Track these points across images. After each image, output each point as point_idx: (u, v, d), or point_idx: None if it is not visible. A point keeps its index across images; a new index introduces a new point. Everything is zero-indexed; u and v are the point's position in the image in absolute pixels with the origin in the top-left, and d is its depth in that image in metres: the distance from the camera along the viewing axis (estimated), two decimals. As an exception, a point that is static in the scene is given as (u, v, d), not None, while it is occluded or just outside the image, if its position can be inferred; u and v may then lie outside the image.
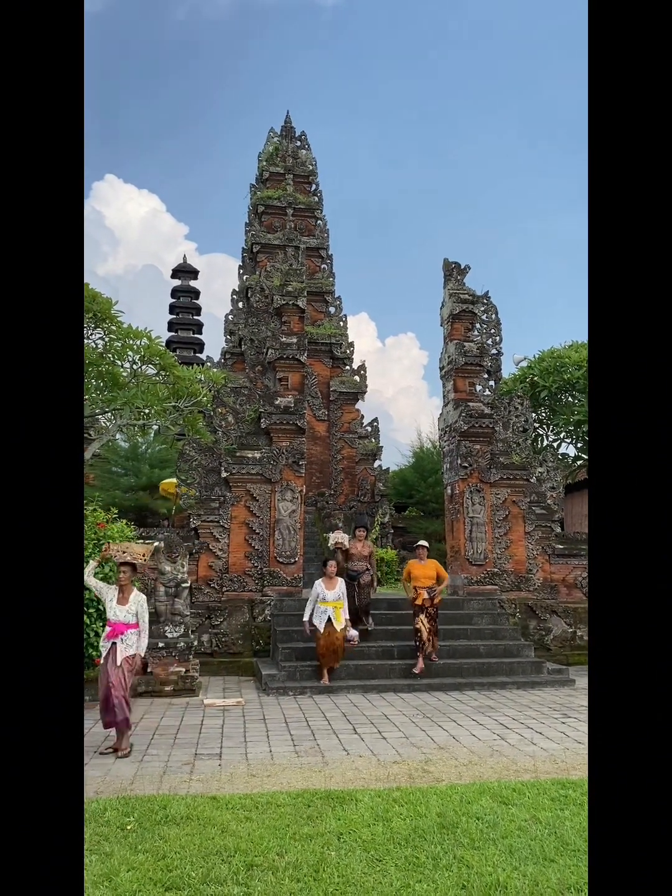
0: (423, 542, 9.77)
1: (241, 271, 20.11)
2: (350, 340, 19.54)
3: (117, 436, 15.38)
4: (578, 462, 17.79)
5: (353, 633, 9.28)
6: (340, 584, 9.18)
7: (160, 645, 8.70)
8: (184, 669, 8.66)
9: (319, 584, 9.10)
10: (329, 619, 8.86)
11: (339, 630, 8.90)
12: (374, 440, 19.22)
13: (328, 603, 8.96)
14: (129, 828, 4.06)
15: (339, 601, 9.03)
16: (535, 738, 6.45)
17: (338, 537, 10.36)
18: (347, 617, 9.17)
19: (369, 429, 19.41)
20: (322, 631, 8.84)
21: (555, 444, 17.12)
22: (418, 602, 9.20)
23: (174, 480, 13.26)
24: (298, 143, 21.31)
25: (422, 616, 9.19)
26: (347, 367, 19.38)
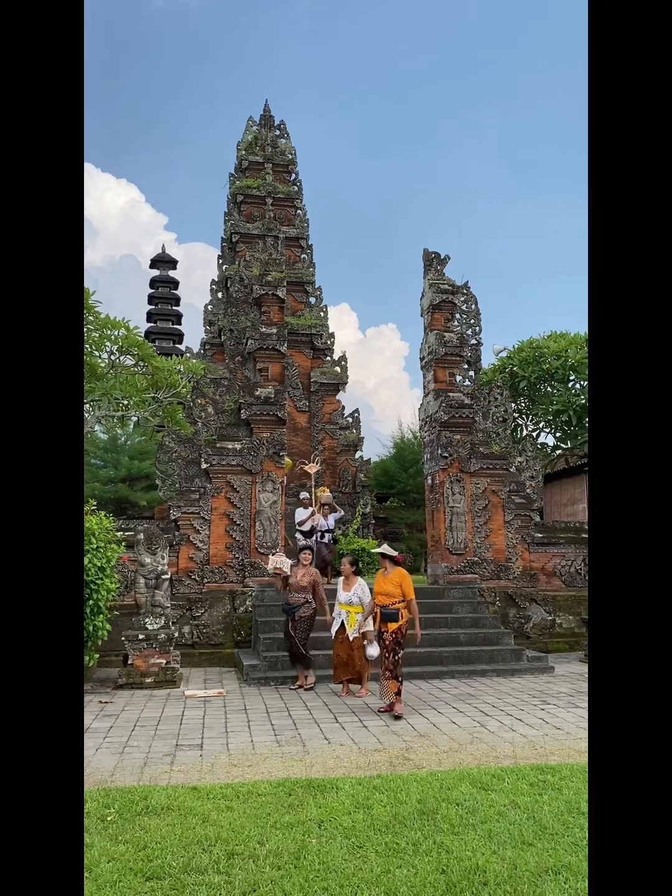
0: (385, 549, 7.48)
1: (221, 261, 19.93)
2: (331, 331, 19.44)
3: (96, 427, 15.24)
4: (557, 451, 17.95)
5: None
6: (360, 585, 7.92)
7: (141, 637, 8.67)
8: (165, 661, 8.64)
9: (337, 584, 8.25)
10: (342, 625, 7.88)
11: (351, 639, 7.79)
12: (355, 431, 19.18)
13: (341, 605, 7.92)
14: (109, 819, 4.05)
15: (353, 605, 7.82)
16: (515, 725, 6.52)
17: (277, 562, 8.49)
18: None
19: (351, 420, 19.37)
20: (333, 637, 8.01)
21: (534, 434, 17.25)
22: (377, 625, 7.35)
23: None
24: (277, 132, 21.10)
25: (377, 642, 7.41)
26: (328, 358, 19.29)
